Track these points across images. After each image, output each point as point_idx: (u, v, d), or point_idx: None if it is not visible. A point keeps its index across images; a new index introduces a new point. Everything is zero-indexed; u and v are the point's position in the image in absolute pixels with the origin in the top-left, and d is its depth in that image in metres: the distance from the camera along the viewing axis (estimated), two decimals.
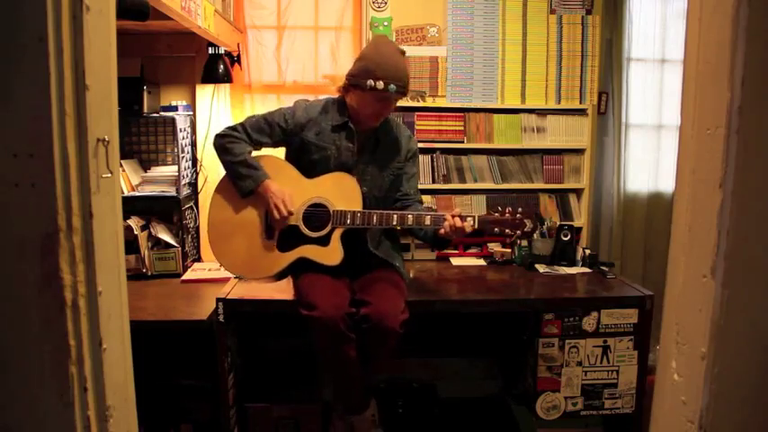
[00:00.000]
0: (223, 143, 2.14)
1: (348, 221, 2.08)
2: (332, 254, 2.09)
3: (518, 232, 2.08)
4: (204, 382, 2.25)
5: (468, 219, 2.04)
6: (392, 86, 2.04)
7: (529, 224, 2.09)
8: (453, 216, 2.02)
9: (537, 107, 2.86)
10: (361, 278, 2.15)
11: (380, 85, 2.03)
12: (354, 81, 2.10)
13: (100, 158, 1.01)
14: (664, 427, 1.10)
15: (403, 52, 2.14)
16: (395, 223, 2.08)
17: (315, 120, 2.18)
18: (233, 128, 2.17)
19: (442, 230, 2.02)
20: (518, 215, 2.09)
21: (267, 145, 2.20)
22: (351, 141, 2.17)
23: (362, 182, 2.17)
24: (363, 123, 2.17)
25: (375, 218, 2.07)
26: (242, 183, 2.12)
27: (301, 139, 2.17)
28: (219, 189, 2.20)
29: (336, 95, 2.23)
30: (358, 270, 2.18)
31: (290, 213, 2.08)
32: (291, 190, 2.13)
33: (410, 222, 2.07)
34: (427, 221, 2.05)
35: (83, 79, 0.97)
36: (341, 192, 2.12)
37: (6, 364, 0.99)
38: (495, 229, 2.08)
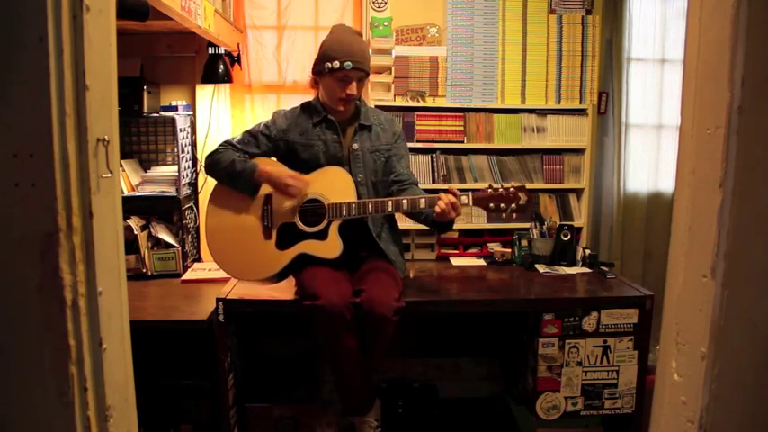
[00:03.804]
0: (211, 159, 2.20)
1: (344, 213, 2.09)
2: (331, 247, 2.09)
3: (513, 206, 2.08)
4: (204, 382, 2.25)
5: (463, 197, 2.05)
6: (347, 63, 2.08)
7: (523, 197, 2.08)
8: (447, 193, 2.02)
9: (537, 107, 2.86)
10: (358, 271, 2.16)
11: (336, 64, 2.09)
12: (316, 70, 2.18)
13: (100, 158, 1.01)
14: (664, 427, 1.10)
15: (360, 34, 2.21)
16: (390, 209, 2.08)
17: (295, 122, 2.23)
18: (218, 145, 2.24)
19: (438, 208, 1.99)
20: (511, 189, 2.09)
21: (256, 154, 2.22)
22: (335, 133, 2.20)
23: (356, 169, 2.19)
24: (338, 111, 2.19)
25: (370, 206, 2.08)
26: (240, 181, 2.14)
27: (286, 141, 2.21)
28: (212, 198, 2.22)
29: (311, 98, 2.29)
30: (357, 264, 2.19)
31: (305, 183, 2.11)
32: None
33: (405, 207, 2.07)
34: (422, 204, 2.05)
35: (83, 79, 0.97)
36: (334, 185, 2.13)
37: (6, 364, 0.99)
38: (491, 205, 2.08)
